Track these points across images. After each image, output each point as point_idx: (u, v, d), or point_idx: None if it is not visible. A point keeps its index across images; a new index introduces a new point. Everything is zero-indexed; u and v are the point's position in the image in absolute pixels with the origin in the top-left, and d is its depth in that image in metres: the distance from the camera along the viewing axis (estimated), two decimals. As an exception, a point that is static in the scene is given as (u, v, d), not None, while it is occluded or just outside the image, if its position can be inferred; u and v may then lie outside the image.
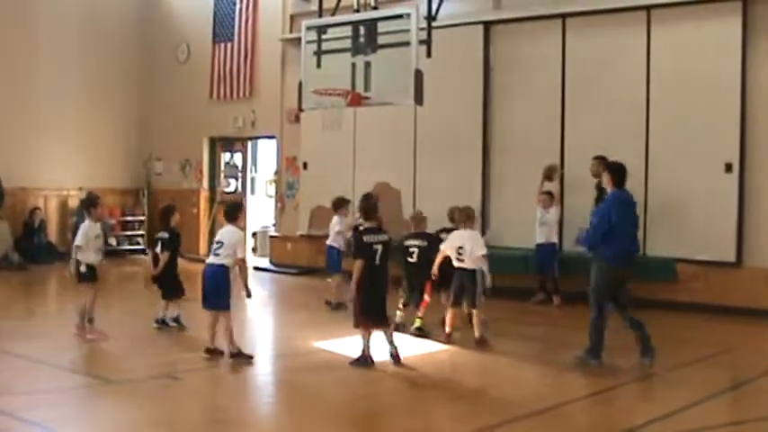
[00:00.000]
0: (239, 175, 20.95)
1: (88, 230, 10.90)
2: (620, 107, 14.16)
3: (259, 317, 14.20)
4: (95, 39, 20.84)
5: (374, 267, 9.50)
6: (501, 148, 15.57)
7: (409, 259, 11.48)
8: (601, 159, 13.14)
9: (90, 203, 11.27)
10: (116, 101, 21.52)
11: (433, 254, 11.16)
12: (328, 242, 13.79)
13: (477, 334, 10.70)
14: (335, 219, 13.80)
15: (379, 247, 9.54)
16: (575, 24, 14.73)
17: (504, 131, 15.53)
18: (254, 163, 21.25)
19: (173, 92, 21.37)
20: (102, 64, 21.02)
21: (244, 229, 10.18)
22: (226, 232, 9.87)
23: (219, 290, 9.65)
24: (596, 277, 9.63)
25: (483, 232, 13.68)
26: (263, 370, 10.21)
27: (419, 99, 12.57)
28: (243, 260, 9.87)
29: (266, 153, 20.90)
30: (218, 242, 9.83)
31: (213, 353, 9.71)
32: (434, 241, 11.53)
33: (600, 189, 13.21)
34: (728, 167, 13.17)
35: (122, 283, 17.07)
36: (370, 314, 9.52)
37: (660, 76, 13.80)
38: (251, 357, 9.78)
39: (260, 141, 20.94)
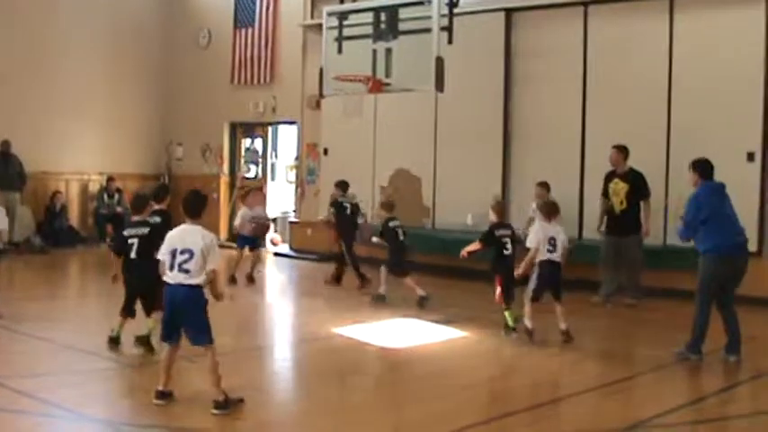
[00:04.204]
0: (260, 160, 21.00)
1: None
2: (641, 95, 14.09)
3: (278, 303, 14.27)
4: (117, 24, 20.88)
5: None
6: (522, 135, 15.52)
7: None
8: (622, 149, 13.15)
9: None
10: (137, 86, 21.58)
11: None
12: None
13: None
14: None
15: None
16: (597, 11, 14.63)
17: (526, 119, 15.48)
18: (275, 149, 21.25)
19: (194, 77, 21.40)
20: (124, 49, 21.06)
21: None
22: (191, 235, 7.30)
23: (200, 320, 7.34)
24: (700, 273, 9.47)
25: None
26: (283, 355, 10.28)
27: (440, 86, 12.55)
28: (215, 272, 7.38)
29: (287, 139, 20.91)
30: (183, 251, 7.23)
31: (167, 397, 7.43)
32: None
33: (608, 178, 13.17)
34: (750, 157, 13.08)
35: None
36: None
37: (682, 63, 13.72)
38: (241, 401, 7.39)
39: (281, 127, 20.97)
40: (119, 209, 19.70)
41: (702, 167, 9.61)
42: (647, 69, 14.03)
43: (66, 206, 19.85)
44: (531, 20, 15.45)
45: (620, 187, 13.02)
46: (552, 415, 7.62)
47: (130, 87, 21.38)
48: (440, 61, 12.37)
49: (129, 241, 9.13)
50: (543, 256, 10.26)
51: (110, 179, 20.08)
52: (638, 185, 12.96)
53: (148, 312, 9.15)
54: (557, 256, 10.28)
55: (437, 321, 11.38)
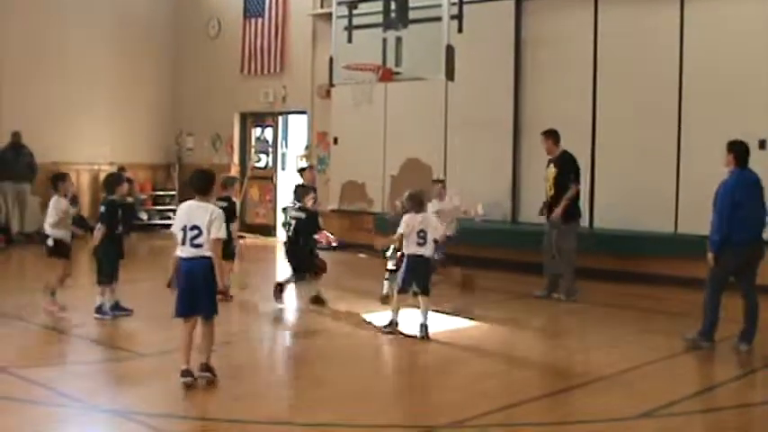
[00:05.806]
0: (270, 150, 20.98)
1: (57, 205, 10.95)
2: (652, 83, 14.03)
3: (292, 291, 14.26)
4: (126, 15, 20.91)
5: None
6: (532, 124, 15.44)
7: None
8: (549, 134, 12.68)
9: (57, 179, 11.27)
10: (147, 76, 21.61)
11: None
12: None
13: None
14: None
15: None
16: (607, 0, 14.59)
17: (536, 107, 15.44)
18: (285, 138, 21.24)
19: (203, 67, 21.42)
20: (134, 40, 21.09)
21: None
22: (198, 212, 7.64)
23: (212, 292, 7.73)
24: (719, 261, 9.33)
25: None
26: (298, 342, 10.28)
27: (450, 75, 12.49)
28: (220, 241, 7.69)
29: (297, 128, 20.90)
30: (192, 227, 7.56)
31: (192, 375, 7.66)
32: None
33: (549, 164, 12.60)
34: (762, 144, 13.00)
35: (153, 258, 17.16)
36: None
37: (693, 52, 13.65)
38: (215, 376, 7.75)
39: (291, 116, 20.95)
40: (129, 198, 19.71)
41: (738, 150, 9.44)
42: (658, 57, 13.97)
43: (76, 197, 19.85)
44: (541, 8, 15.40)
45: (549, 172, 12.59)
46: (563, 404, 7.61)
47: (140, 77, 21.40)
48: (450, 50, 12.31)
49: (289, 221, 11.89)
50: (412, 249, 10.09)
51: (120, 169, 20.08)
52: (563, 169, 12.45)
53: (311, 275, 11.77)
54: (424, 251, 10.09)
55: (446, 312, 11.30)
